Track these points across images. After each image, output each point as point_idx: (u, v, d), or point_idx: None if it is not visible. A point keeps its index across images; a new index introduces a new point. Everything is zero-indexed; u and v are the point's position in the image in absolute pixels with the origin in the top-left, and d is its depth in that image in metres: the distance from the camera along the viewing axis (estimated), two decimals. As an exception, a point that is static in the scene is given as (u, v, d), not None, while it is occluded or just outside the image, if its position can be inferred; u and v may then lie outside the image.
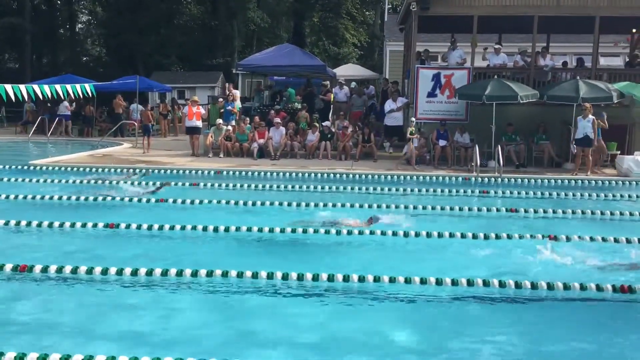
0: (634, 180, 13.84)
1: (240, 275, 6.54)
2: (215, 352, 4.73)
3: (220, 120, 17.78)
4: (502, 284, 6.33)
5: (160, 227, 8.59)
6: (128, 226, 8.61)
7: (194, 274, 6.57)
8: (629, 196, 12.15)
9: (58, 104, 23.57)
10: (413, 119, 16.41)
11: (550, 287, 6.28)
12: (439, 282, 6.32)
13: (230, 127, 17.74)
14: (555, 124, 16.33)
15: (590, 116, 14.43)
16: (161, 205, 10.51)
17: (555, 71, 17.54)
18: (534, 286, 6.29)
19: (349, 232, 8.51)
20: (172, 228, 8.60)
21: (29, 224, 8.66)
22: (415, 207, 10.41)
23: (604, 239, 8.27)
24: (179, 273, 6.58)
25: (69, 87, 18.19)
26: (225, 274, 6.54)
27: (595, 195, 12.09)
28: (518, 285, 6.31)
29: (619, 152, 15.71)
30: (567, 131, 15.91)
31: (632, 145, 15.92)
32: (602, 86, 15.47)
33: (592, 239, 8.28)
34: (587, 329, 5.58)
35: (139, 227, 8.59)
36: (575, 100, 14.86)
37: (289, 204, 10.57)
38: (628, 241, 8.22)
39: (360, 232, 8.52)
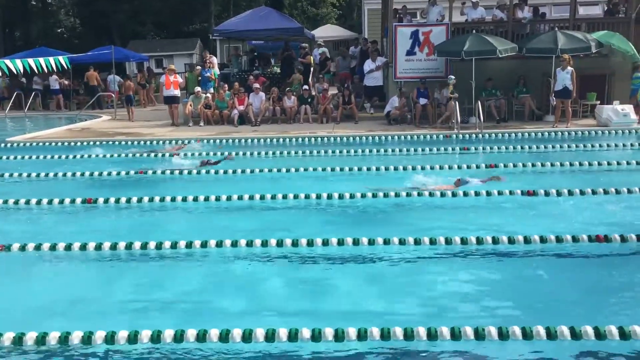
0: (613, 130, 13.93)
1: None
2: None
3: (198, 88, 17.56)
4: (495, 240, 6.40)
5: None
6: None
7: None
8: (608, 145, 12.21)
9: (46, 78, 23.21)
10: (452, 77, 15.49)
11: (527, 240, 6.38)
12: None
13: (209, 95, 17.53)
14: (535, 77, 16.29)
15: (569, 67, 14.41)
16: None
17: (534, 23, 17.40)
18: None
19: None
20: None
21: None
22: (396, 168, 10.41)
23: (582, 192, 8.33)
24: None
25: (42, 60, 17.83)
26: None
27: (575, 146, 12.14)
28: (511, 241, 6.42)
29: (598, 102, 15.75)
30: (547, 83, 15.90)
31: (611, 95, 15.96)
32: (580, 36, 15.40)
33: (570, 192, 8.34)
34: (561, 281, 5.68)
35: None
36: (553, 52, 14.80)
37: (270, 170, 10.53)
38: (605, 192, 8.30)
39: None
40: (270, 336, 4.42)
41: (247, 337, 4.40)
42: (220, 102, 17.19)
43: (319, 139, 14.14)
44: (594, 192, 8.30)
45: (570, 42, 14.98)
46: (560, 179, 9.65)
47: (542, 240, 6.33)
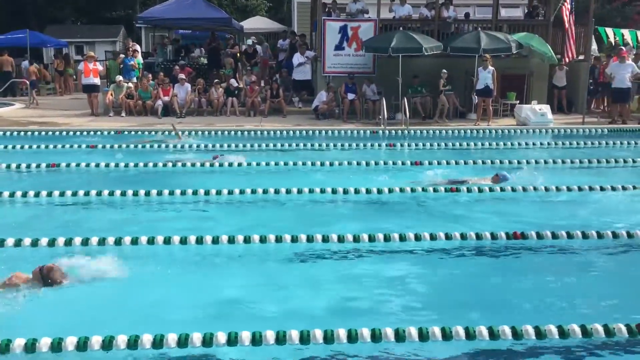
0: (531, 129, 14.46)
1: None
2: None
3: (120, 77, 16.85)
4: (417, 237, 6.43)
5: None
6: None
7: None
8: (526, 144, 12.64)
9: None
10: (445, 70, 15.76)
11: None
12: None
13: (131, 85, 16.86)
14: (459, 75, 16.68)
15: (490, 67, 14.83)
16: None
17: (458, 23, 17.81)
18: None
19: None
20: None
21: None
22: (322, 164, 10.34)
23: (502, 189, 8.55)
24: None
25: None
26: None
27: (495, 144, 12.49)
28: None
29: (517, 101, 16.30)
30: (470, 82, 16.31)
31: (530, 95, 16.57)
32: (501, 37, 15.89)
33: (491, 189, 8.54)
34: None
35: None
36: (476, 52, 15.19)
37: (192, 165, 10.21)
38: (524, 190, 8.55)
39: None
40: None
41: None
42: (144, 92, 16.58)
43: (246, 132, 13.88)
44: (513, 190, 8.53)
45: (493, 43, 15.42)
46: (482, 175, 9.84)
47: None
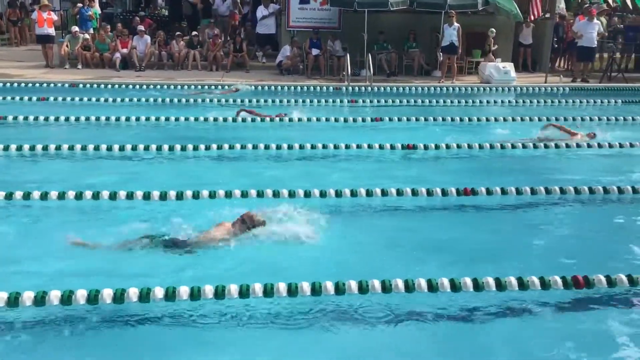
0: (494, 86, 14.45)
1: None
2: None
3: (76, 28, 16.21)
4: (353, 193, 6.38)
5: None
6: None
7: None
8: (487, 102, 12.64)
9: None
10: (493, 29, 15.93)
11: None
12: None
13: (88, 36, 16.24)
14: (425, 32, 16.49)
15: (456, 24, 14.66)
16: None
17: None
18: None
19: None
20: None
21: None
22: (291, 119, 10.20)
23: (458, 146, 8.55)
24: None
25: None
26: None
27: (457, 101, 12.46)
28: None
29: (482, 59, 16.23)
30: (435, 39, 16.14)
31: (494, 53, 16.48)
32: (468, -7, 15.67)
33: (447, 146, 8.52)
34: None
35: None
36: (442, 8, 14.99)
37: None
38: (480, 147, 8.56)
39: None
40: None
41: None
42: (101, 44, 16.00)
43: (207, 87, 13.54)
44: (469, 147, 8.54)
45: (459, -1, 15.23)
46: (443, 133, 9.80)
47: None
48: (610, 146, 8.75)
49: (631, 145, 8.76)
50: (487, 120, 10.64)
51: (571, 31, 16.18)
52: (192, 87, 13.39)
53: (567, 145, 8.76)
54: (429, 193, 6.34)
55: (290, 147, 8.25)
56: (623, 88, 14.80)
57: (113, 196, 6.13)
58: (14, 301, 3.94)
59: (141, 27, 16.30)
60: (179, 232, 5.16)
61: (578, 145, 8.78)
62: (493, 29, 15.92)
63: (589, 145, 8.80)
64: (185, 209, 5.90)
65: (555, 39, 16.94)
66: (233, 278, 4.35)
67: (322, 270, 4.76)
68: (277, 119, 10.19)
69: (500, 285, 4.34)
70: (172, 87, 13.36)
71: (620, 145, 8.78)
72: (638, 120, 10.65)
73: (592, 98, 13.09)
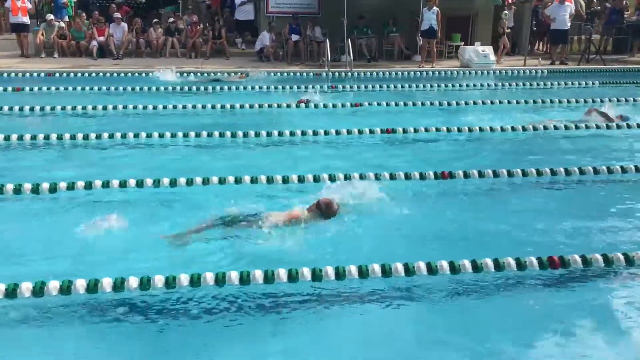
0: (474, 70, 14.49)
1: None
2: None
3: (51, 16, 15.94)
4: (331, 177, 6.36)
5: None
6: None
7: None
8: (467, 85, 12.68)
9: None
10: (506, 12, 16.10)
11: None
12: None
13: (63, 24, 15.99)
14: (405, 17, 16.45)
15: (435, 7, 14.65)
16: None
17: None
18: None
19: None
20: None
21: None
22: (260, 105, 10.13)
23: (437, 129, 8.57)
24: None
25: None
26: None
27: (437, 85, 12.48)
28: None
29: (462, 43, 16.27)
30: (415, 23, 16.12)
31: (474, 36, 16.54)
32: (448, -23, 15.64)
33: (426, 129, 8.54)
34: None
35: None
36: (421, -9, 14.96)
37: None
38: (459, 130, 8.59)
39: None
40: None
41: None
42: (77, 32, 15.77)
43: (185, 74, 13.42)
44: (448, 130, 8.56)
45: (438, -18, 15.18)
46: (422, 118, 9.81)
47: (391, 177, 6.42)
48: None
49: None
50: (467, 103, 10.66)
51: (544, 14, 16.22)
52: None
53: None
54: (407, 177, 6.35)
55: (269, 135, 8.21)
56: (600, 70, 14.94)
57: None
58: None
59: (118, 15, 16.06)
60: (247, 216, 5.13)
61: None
62: (506, 12, 16.21)
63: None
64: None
65: (534, 22, 16.99)
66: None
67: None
68: (302, 105, 10.22)
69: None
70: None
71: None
72: (615, 101, 10.75)
73: (570, 80, 13.20)
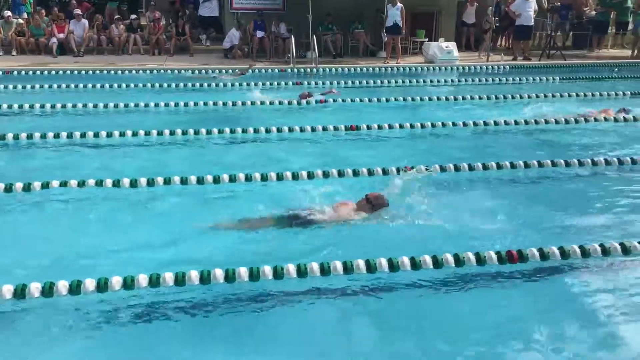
0: (437, 66, 14.63)
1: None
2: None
3: (9, 12, 15.53)
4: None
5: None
6: None
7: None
8: (431, 81, 12.80)
9: None
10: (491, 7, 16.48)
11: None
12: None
13: (22, 20, 15.60)
14: (370, 13, 16.52)
15: (399, 4, 14.73)
16: None
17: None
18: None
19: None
20: None
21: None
22: (233, 103, 10.04)
23: (401, 126, 8.61)
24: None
25: None
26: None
27: (402, 81, 12.56)
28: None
29: (427, 39, 16.41)
30: (380, 20, 16.20)
31: (438, 33, 16.70)
32: (412, -27, 15.76)
33: (390, 126, 8.58)
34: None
35: None
36: (385, -12, 15.03)
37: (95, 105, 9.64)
38: (422, 126, 8.65)
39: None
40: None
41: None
42: (36, 29, 15.41)
43: (149, 72, 13.24)
44: (412, 126, 8.62)
45: (402, -21, 15.27)
46: (388, 113, 9.85)
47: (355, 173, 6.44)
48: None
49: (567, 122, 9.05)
50: (430, 99, 10.76)
51: (509, 10, 16.46)
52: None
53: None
54: (370, 173, 6.37)
55: (244, 131, 8.16)
56: (561, 65, 15.24)
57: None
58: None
59: (78, 11, 15.76)
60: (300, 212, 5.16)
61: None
62: (491, 7, 16.49)
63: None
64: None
65: (496, 18, 17.24)
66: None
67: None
68: (304, 101, 10.29)
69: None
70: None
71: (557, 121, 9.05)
72: (573, 96, 10.97)
73: (532, 75, 13.43)
